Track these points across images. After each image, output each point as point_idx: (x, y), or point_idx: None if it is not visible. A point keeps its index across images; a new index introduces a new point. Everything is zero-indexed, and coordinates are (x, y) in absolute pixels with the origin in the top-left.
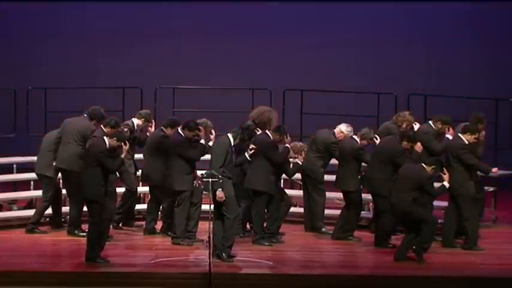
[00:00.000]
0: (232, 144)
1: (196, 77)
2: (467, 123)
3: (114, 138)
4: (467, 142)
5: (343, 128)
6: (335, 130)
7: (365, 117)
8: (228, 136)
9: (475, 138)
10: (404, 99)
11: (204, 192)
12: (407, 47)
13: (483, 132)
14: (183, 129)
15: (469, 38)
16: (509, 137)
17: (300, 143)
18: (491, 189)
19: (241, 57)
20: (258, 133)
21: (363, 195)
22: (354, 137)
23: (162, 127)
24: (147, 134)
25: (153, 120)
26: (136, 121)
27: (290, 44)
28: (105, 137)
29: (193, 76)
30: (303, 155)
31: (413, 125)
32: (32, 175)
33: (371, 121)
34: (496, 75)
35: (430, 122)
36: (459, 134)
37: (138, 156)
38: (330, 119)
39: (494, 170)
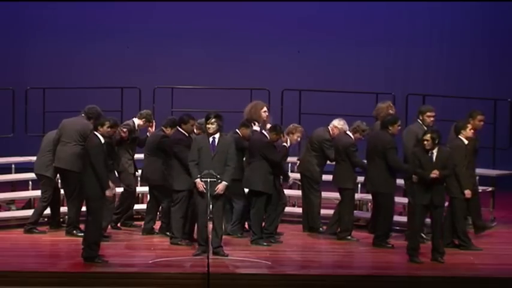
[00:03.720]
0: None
1: (194, 77)
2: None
3: (107, 124)
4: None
5: (335, 123)
6: (329, 127)
7: (363, 117)
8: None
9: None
10: (402, 99)
11: None
12: (406, 47)
13: (480, 122)
14: (180, 126)
15: (468, 38)
16: (508, 137)
17: (294, 124)
18: (490, 189)
19: (240, 57)
20: (254, 130)
21: (362, 195)
22: (348, 133)
23: (162, 127)
24: (147, 134)
25: (153, 121)
26: (137, 121)
27: (289, 44)
28: (95, 132)
29: (192, 76)
30: (295, 138)
31: (390, 111)
32: (31, 175)
33: (369, 121)
34: (495, 75)
35: (419, 120)
36: (460, 136)
37: (138, 156)
38: (329, 119)
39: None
